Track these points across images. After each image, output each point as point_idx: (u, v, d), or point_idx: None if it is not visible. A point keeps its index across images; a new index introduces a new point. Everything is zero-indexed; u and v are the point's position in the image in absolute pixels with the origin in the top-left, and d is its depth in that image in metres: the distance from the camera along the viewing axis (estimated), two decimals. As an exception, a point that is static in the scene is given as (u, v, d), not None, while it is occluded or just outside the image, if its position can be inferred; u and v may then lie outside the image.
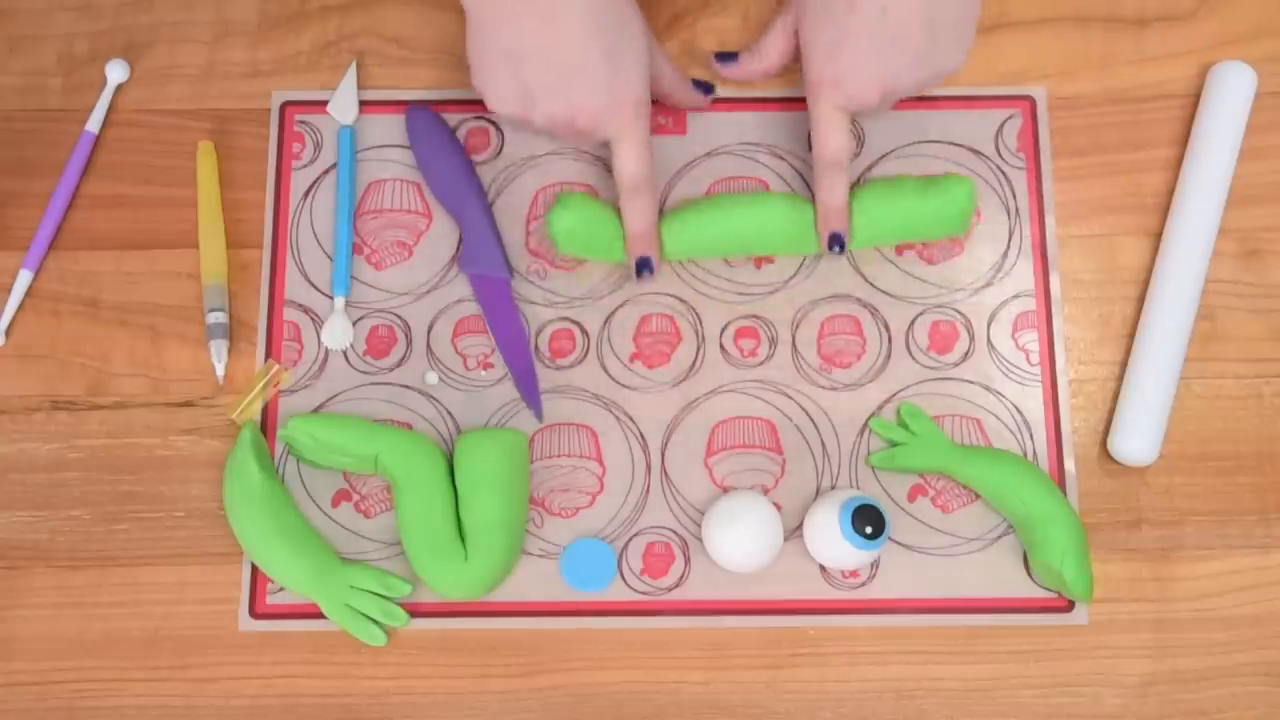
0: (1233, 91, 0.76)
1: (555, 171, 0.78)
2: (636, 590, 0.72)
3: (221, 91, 0.79)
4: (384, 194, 0.78)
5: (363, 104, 0.79)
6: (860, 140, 0.78)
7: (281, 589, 0.71)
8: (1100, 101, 0.79)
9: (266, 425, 0.74)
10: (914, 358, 0.75)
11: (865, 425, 0.74)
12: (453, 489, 0.71)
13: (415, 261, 0.76)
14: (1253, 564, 0.72)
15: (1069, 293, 0.76)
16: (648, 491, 0.73)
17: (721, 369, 0.75)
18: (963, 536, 0.72)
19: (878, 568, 0.72)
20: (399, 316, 0.76)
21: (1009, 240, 0.77)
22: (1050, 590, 0.71)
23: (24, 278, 0.76)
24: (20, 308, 0.76)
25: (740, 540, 0.69)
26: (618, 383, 0.75)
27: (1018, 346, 0.75)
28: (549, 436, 0.74)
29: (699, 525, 0.72)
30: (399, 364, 0.75)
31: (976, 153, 0.78)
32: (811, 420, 0.74)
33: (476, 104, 0.78)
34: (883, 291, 0.76)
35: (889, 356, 0.75)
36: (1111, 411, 0.74)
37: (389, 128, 0.78)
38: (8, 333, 0.76)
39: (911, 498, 0.73)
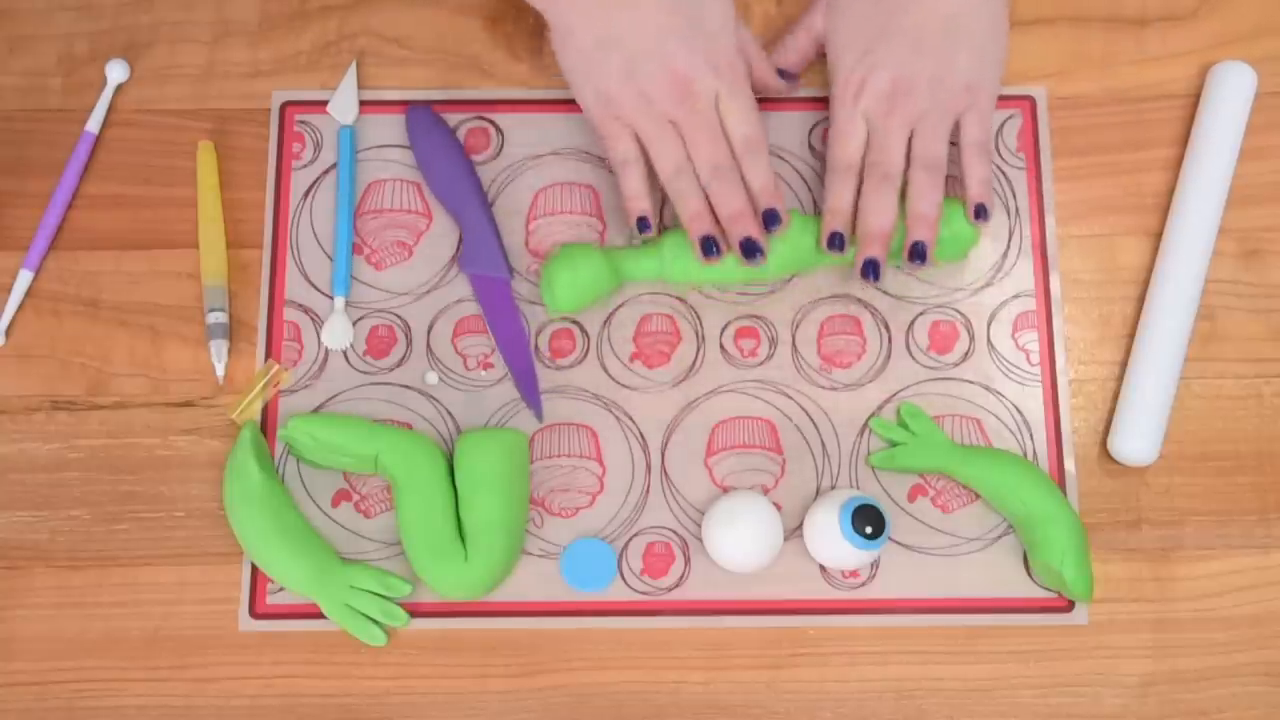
0: (1233, 91, 0.76)
1: (555, 172, 0.78)
2: (636, 590, 0.72)
3: (221, 91, 0.79)
4: (384, 194, 0.78)
5: (363, 104, 0.79)
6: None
7: (281, 589, 0.71)
8: (1100, 101, 0.79)
9: (266, 425, 0.74)
10: (914, 358, 0.75)
11: (865, 425, 0.74)
12: (453, 489, 0.71)
13: (415, 261, 0.76)
14: (1253, 564, 0.72)
15: (1069, 293, 0.76)
16: (648, 491, 0.73)
17: (721, 369, 0.75)
18: (963, 536, 0.72)
19: (878, 568, 0.72)
20: (399, 316, 0.76)
21: (1009, 240, 0.77)
22: (1050, 590, 0.71)
23: (24, 278, 0.76)
24: (20, 308, 0.76)
25: (740, 540, 0.69)
26: (618, 383, 0.75)
27: (1018, 346, 0.75)
28: (549, 436, 0.74)
29: (699, 525, 0.72)
30: (399, 364, 0.75)
31: (976, 153, 0.78)
32: (811, 420, 0.74)
33: (476, 104, 0.78)
34: (883, 291, 0.76)
35: (889, 356, 0.75)
36: (1111, 411, 0.74)
37: (389, 128, 0.78)
38: (8, 333, 0.76)
39: (911, 498, 0.73)
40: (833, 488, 0.73)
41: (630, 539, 0.72)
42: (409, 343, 0.75)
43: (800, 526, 0.72)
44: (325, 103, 0.78)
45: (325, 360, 0.75)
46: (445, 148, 0.76)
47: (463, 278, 0.76)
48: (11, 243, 0.77)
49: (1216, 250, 0.75)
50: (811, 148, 0.78)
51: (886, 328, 0.75)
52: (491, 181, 0.78)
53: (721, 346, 0.75)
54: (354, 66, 0.79)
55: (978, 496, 0.73)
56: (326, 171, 0.78)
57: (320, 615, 0.71)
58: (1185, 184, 0.76)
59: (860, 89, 0.72)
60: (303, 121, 0.79)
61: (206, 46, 0.80)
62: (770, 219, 0.70)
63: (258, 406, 0.74)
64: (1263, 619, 0.71)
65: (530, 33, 0.80)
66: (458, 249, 0.77)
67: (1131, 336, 0.75)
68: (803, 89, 0.79)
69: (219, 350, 0.74)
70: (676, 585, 0.72)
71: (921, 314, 0.75)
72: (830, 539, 0.68)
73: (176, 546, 0.72)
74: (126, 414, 0.74)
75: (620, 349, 0.75)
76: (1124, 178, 0.78)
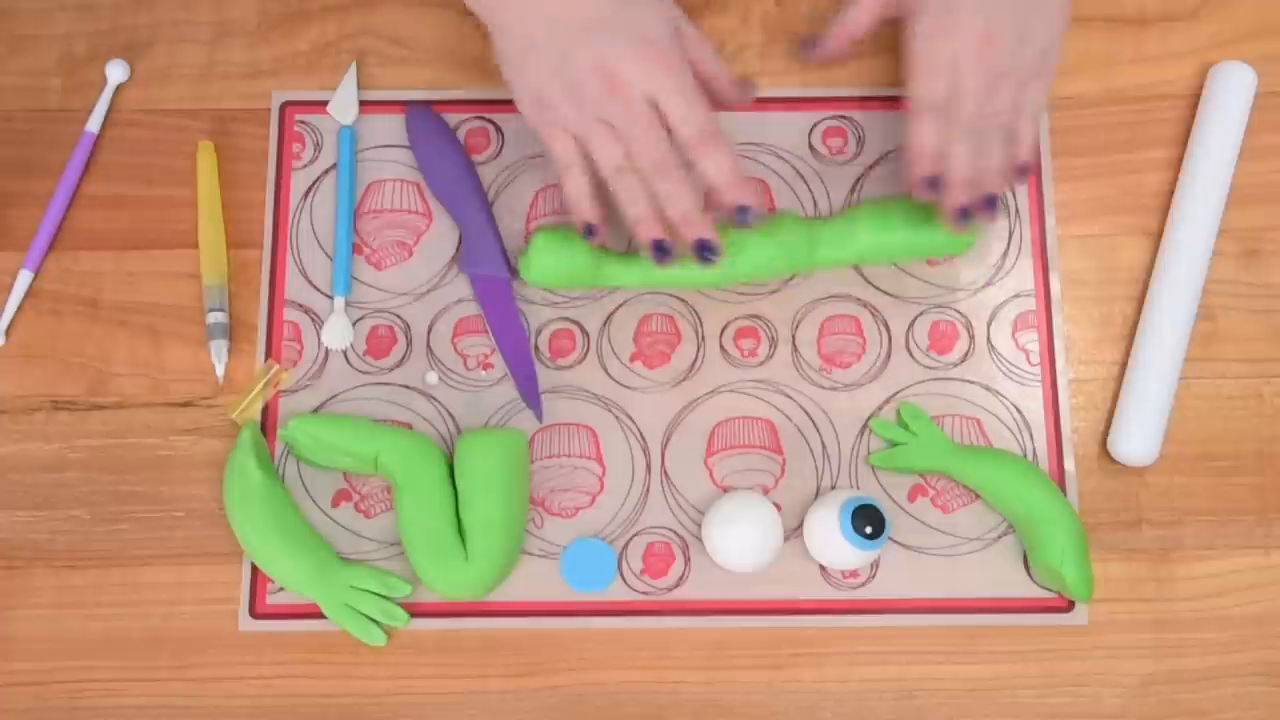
0: (1233, 91, 0.76)
1: (555, 172, 0.77)
2: (636, 590, 0.72)
3: (221, 91, 0.79)
4: (384, 194, 0.78)
5: (363, 104, 0.79)
6: (861, 140, 0.78)
7: (281, 589, 0.71)
8: (1100, 101, 0.79)
9: (266, 425, 0.74)
10: (914, 358, 0.75)
11: (865, 425, 0.74)
12: (453, 489, 0.71)
13: (415, 261, 0.76)
14: (1253, 564, 0.72)
15: (1069, 293, 0.76)
16: (648, 491, 0.73)
17: (721, 369, 0.75)
18: (963, 536, 0.72)
19: (878, 568, 0.72)
20: (399, 316, 0.76)
21: (1009, 240, 0.77)
22: (1050, 590, 0.71)
23: (24, 278, 0.76)
24: (20, 308, 0.76)
25: (740, 540, 0.69)
26: (618, 383, 0.75)
27: (1018, 346, 0.75)
28: (549, 436, 0.74)
29: (699, 525, 0.72)
30: (399, 364, 0.75)
31: (976, 153, 0.78)
32: (811, 420, 0.74)
33: (476, 104, 0.78)
34: (883, 291, 0.76)
35: (889, 356, 0.75)
36: (1111, 411, 0.74)
37: (389, 128, 0.78)
38: (8, 333, 0.76)
39: (911, 498, 0.73)
40: (833, 488, 0.73)
41: (630, 539, 0.72)
42: (409, 343, 0.75)
43: (800, 526, 0.72)
44: (325, 103, 0.78)
45: (325, 360, 0.75)
46: (445, 148, 0.76)
47: (463, 278, 0.76)
48: (11, 243, 0.77)
49: (1216, 250, 0.75)
50: (811, 148, 0.78)
51: (886, 328, 0.75)
52: (491, 181, 0.78)
53: (721, 346, 0.75)
54: (354, 67, 0.79)
55: (978, 496, 0.73)
56: (326, 171, 0.78)
57: (320, 615, 0.71)
58: (1185, 184, 0.76)
59: (952, 31, 0.69)
60: (303, 121, 0.79)
61: (206, 46, 0.80)
62: (741, 213, 0.67)
63: (258, 406, 0.74)
64: (1263, 619, 0.71)
65: (530, 33, 0.80)
66: (458, 249, 0.77)
67: (1131, 336, 0.75)
68: (802, 88, 0.79)
69: (219, 350, 0.74)
70: (676, 585, 0.72)
71: (921, 314, 0.75)
72: (830, 539, 0.68)
73: (176, 546, 0.72)
74: (126, 414, 0.74)
75: (620, 349, 0.75)
76: (1124, 178, 0.78)
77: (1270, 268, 0.76)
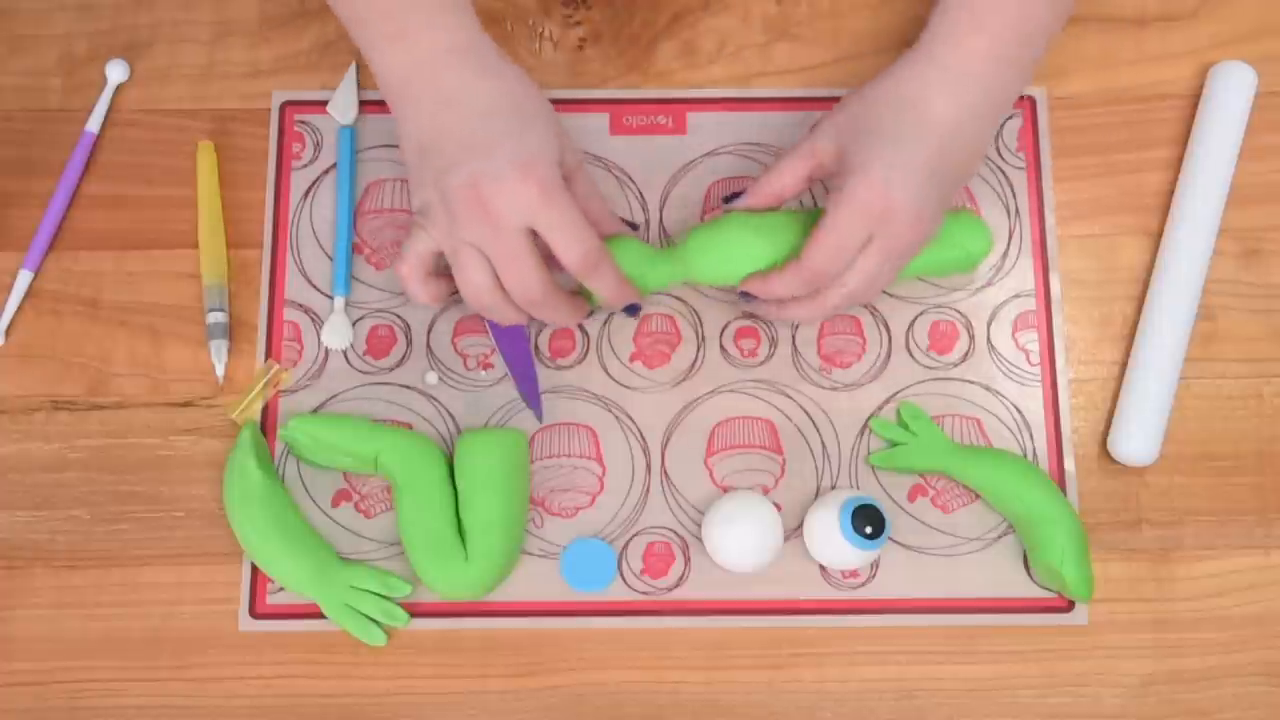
0: (1233, 91, 0.76)
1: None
2: (636, 590, 0.72)
3: (221, 91, 0.79)
4: (384, 194, 0.78)
5: (363, 104, 0.79)
6: None
7: (281, 589, 0.71)
8: (1100, 101, 0.79)
9: (266, 425, 0.74)
10: (914, 358, 0.75)
11: (865, 425, 0.74)
12: (453, 489, 0.71)
13: (415, 261, 0.76)
14: (1253, 564, 0.72)
15: (1069, 293, 0.76)
16: (648, 491, 0.73)
17: (721, 369, 0.75)
18: (963, 536, 0.72)
19: (878, 568, 0.72)
20: (399, 316, 0.76)
21: (1009, 240, 0.77)
22: (1050, 590, 0.71)
23: (24, 278, 0.76)
24: (20, 308, 0.76)
25: (740, 540, 0.69)
26: (618, 383, 0.75)
27: (1018, 346, 0.75)
28: (549, 436, 0.74)
29: (699, 525, 0.72)
30: (399, 364, 0.75)
31: (976, 153, 0.78)
32: (811, 420, 0.74)
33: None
34: (883, 291, 0.76)
35: (889, 356, 0.75)
36: (1111, 411, 0.74)
37: (389, 128, 0.78)
38: (8, 333, 0.76)
39: (911, 498, 0.73)
40: (833, 488, 0.73)
41: (630, 539, 0.72)
42: (409, 343, 0.75)
43: (800, 526, 0.72)
44: (325, 103, 0.78)
45: (325, 360, 0.75)
46: (445, 148, 0.76)
47: (463, 278, 0.76)
48: (11, 243, 0.77)
49: (1216, 250, 0.75)
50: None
51: (886, 328, 0.75)
52: (491, 181, 0.78)
53: (721, 346, 0.75)
54: (354, 67, 0.79)
55: (978, 496, 0.73)
56: (326, 171, 0.78)
57: (320, 615, 0.71)
58: (1185, 184, 0.76)
59: (860, 207, 0.65)
60: (303, 121, 0.79)
61: (206, 46, 0.80)
62: (631, 311, 0.72)
63: (258, 406, 0.74)
64: (1263, 619, 0.71)
65: (530, 34, 0.80)
66: (458, 249, 0.76)
67: (1131, 336, 0.75)
68: (802, 88, 0.79)
69: (219, 350, 0.74)
70: (676, 585, 0.72)
71: (921, 314, 0.75)
72: (830, 539, 0.68)
73: (176, 546, 0.72)
74: (126, 414, 0.74)
75: (620, 349, 0.75)
76: (1124, 178, 0.78)
77: (1270, 268, 0.76)
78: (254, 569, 0.72)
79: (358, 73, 0.79)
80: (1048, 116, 0.78)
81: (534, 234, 0.65)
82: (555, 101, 0.78)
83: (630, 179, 0.77)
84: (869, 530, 0.66)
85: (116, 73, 0.79)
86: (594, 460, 0.73)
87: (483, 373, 0.75)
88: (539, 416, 0.74)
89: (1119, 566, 0.72)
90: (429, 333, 0.75)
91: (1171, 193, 0.77)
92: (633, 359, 0.75)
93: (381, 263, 0.76)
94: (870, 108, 0.67)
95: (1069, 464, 0.73)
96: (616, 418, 0.74)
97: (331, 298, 0.76)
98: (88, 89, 0.79)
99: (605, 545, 0.72)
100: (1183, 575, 0.72)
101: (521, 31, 0.80)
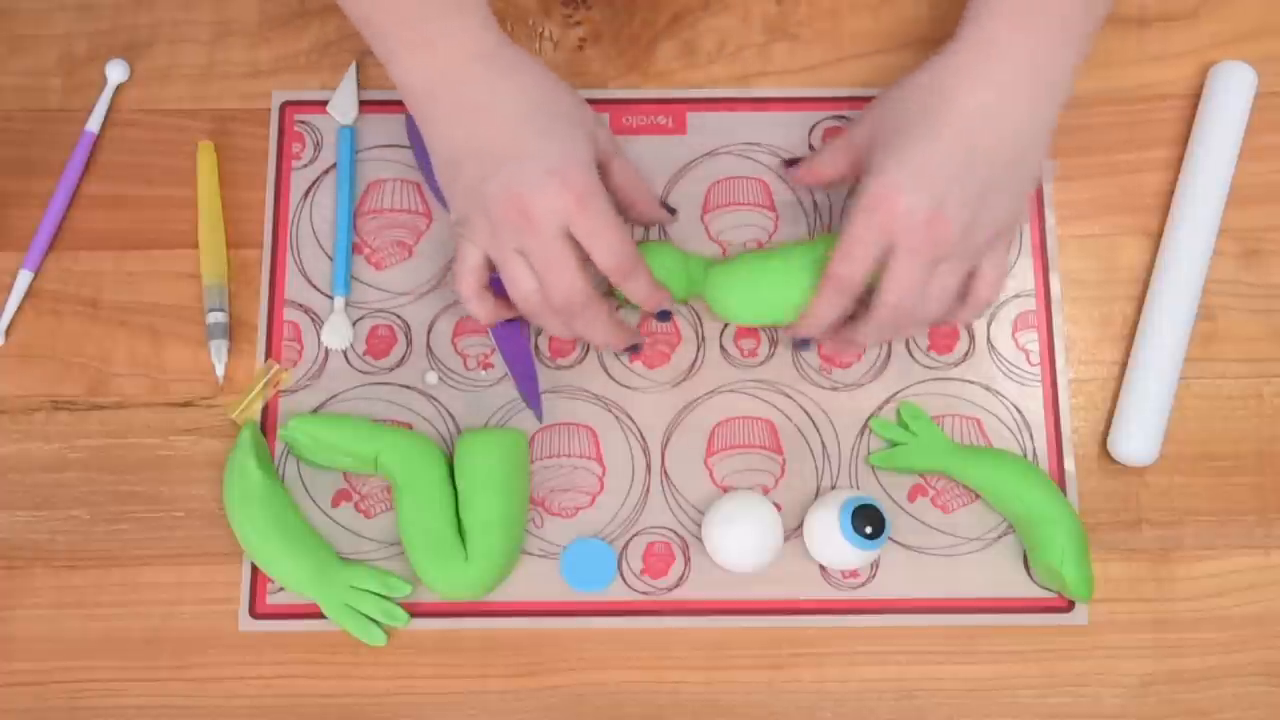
0: (1233, 91, 0.76)
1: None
2: (636, 590, 0.72)
3: (221, 91, 0.79)
4: (384, 194, 0.78)
5: (363, 104, 0.79)
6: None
7: (281, 589, 0.71)
8: (1100, 101, 0.79)
9: (266, 425, 0.74)
10: (914, 358, 0.75)
11: (865, 425, 0.74)
12: (453, 489, 0.71)
13: (415, 261, 0.76)
14: (1253, 564, 0.72)
15: (1069, 293, 0.76)
16: (648, 491, 0.73)
17: (721, 369, 0.75)
18: (963, 536, 0.72)
19: (878, 568, 0.72)
20: (399, 316, 0.76)
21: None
22: (1050, 590, 0.71)
23: (24, 278, 0.76)
24: (20, 308, 0.76)
25: (740, 540, 0.69)
26: (618, 383, 0.75)
27: (1018, 346, 0.75)
28: (549, 436, 0.74)
29: (699, 525, 0.72)
30: (399, 364, 0.75)
31: (976, 153, 0.78)
32: (811, 420, 0.74)
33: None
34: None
35: (889, 356, 0.75)
36: (1111, 411, 0.74)
37: (389, 128, 0.78)
38: (8, 333, 0.76)
39: (911, 498, 0.73)
40: (833, 488, 0.73)
41: (630, 539, 0.72)
42: (409, 343, 0.75)
43: (800, 526, 0.72)
44: (325, 103, 0.78)
45: (325, 360, 0.75)
46: (445, 148, 0.76)
47: (463, 278, 0.76)
48: (11, 243, 0.77)
49: (1216, 250, 0.75)
50: (811, 148, 0.78)
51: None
52: (491, 181, 0.78)
53: (721, 346, 0.75)
54: (354, 67, 0.79)
55: (978, 496, 0.73)
56: (326, 171, 0.78)
57: (320, 615, 0.71)
58: (1185, 184, 0.76)
59: (892, 211, 0.63)
60: (303, 121, 0.79)
61: (206, 46, 0.80)
62: (662, 317, 0.71)
63: (258, 406, 0.74)
64: (1263, 619, 0.71)
65: (530, 34, 0.80)
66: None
67: (1131, 336, 0.75)
68: (802, 88, 0.79)
69: (219, 350, 0.74)
70: (676, 585, 0.72)
71: (921, 314, 0.75)
72: (830, 539, 0.68)
73: (176, 546, 0.72)
74: (126, 414, 0.74)
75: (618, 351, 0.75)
76: (1124, 178, 0.78)
77: (1270, 268, 0.76)
78: (254, 569, 0.72)
79: (358, 73, 0.79)
80: (1048, 116, 0.78)
81: (573, 238, 0.65)
82: (555, 101, 0.78)
83: (630, 179, 0.77)
84: (869, 530, 0.66)
85: (116, 73, 0.79)
86: (594, 460, 0.73)
87: (483, 373, 0.75)
88: (539, 416, 0.74)
89: (1119, 566, 0.72)
90: (429, 333, 0.75)
91: (1171, 193, 0.77)
92: (633, 359, 0.75)
93: (381, 263, 0.76)
94: (898, 103, 0.67)
95: (1069, 464, 0.73)
96: (616, 418, 0.74)
97: (331, 298, 0.76)
98: (88, 89, 0.79)
99: (605, 545, 0.72)
100: (1183, 575, 0.72)
101: (521, 32, 0.80)
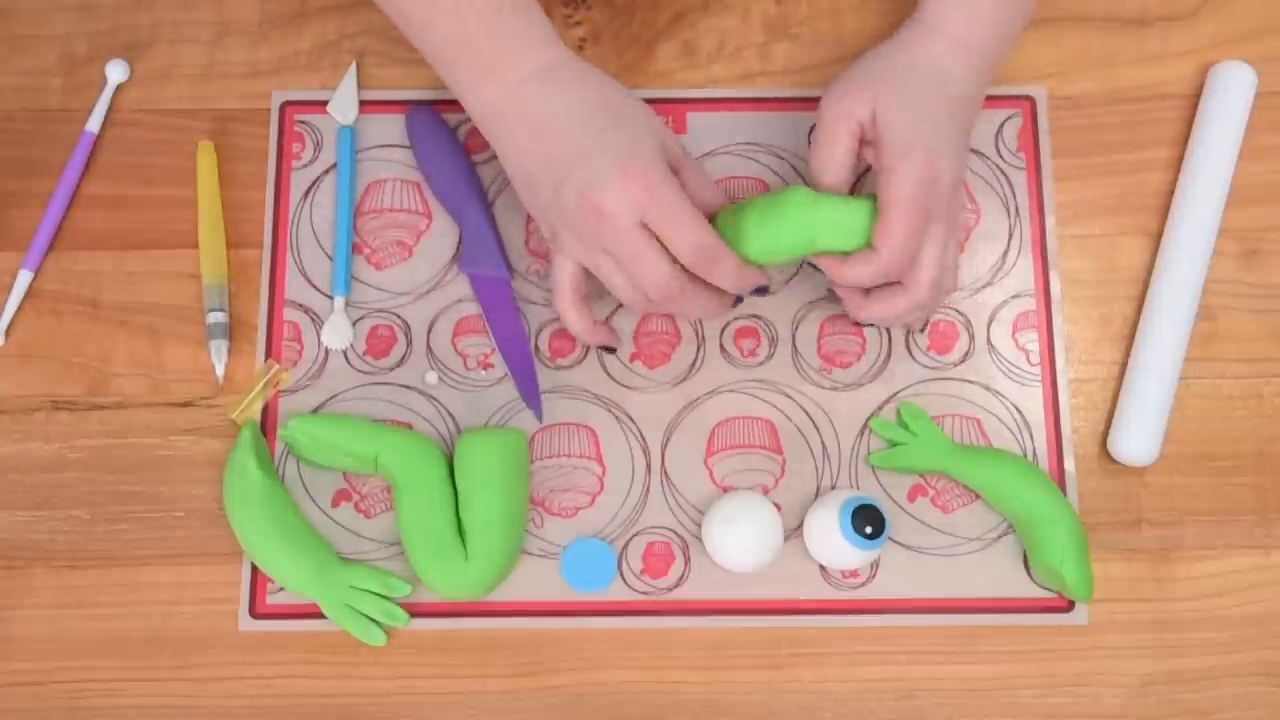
0: (1233, 91, 0.76)
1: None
2: (636, 590, 0.72)
3: (221, 91, 0.79)
4: (384, 194, 0.78)
5: (363, 104, 0.79)
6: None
7: (281, 589, 0.71)
8: (1100, 101, 0.79)
9: (266, 425, 0.74)
10: (914, 358, 0.75)
11: (865, 425, 0.74)
12: (453, 489, 0.71)
13: (415, 261, 0.76)
14: (1253, 564, 0.72)
15: (1069, 293, 0.76)
16: (648, 491, 0.73)
17: (721, 369, 0.75)
18: (963, 536, 0.72)
19: (878, 568, 0.72)
20: (399, 316, 0.76)
21: (1009, 240, 0.77)
22: (1050, 590, 0.71)
23: (24, 278, 0.76)
24: (20, 308, 0.76)
25: (740, 540, 0.68)
26: (618, 383, 0.75)
27: (1018, 346, 0.75)
28: (549, 436, 0.74)
29: (699, 525, 0.72)
30: (399, 364, 0.75)
31: (976, 153, 0.78)
32: (811, 420, 0.74)
33: (476, 104, 0.78)
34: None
35: (889, 356, 0.75)
36: (1111, 411, 0.74)
37: (389, 128, 0.78)
38: (8, 333, 0.76)
39: (911, 498, 0.73)
40: (833, 488, 0.73)
41: (630, 539, 0.72)
42: (409, 343, 0.75)
43: (800, 526, 0.72)
44: (325, 103, 0.78)
45: (325, 360, 0.75)
46: (445, 148, 0.76)
47: (463, 278, 0.76)
48: (11, 243, 0.77)
49: (1216, 250, 0.75)
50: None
51: (886, 328, 0.75)
52: (491, 181, 0.78)
53: (721, 346, 0.75)
54: (354, 66, 0.79)
55: (978, 496, 0.73)
56: (326, 171, 0.78)
57: (320, 615, 0.71)
58: (1185, 184, 0.76)
59: (915, 183, 0.64)
60: (303, 121, 0.79)
61: (206, 46, 0.80)
62: (759, 292, 0.69)
63: (258, 406, 0.74)
64: (1263, 619, 0.71)
65: (530, 33, 0.80)
66: (458, 249, 0.77)
67: (1131, 336, 0.75)
68: (802, 88, 0.79)
69: (219, 350, 0.74)
70: (676, 585, 0.72)
71: (921, 314, 0.75)
72: (830, 539, 0.68)
73: (176, 546, 0.72)
74: (126, 414, 0.74)
75: (620, 349, 0.75)
76: (1124, 178, 0.78)
77: (1270, 268, 0.76)
78: (254, 569, 0.72)
79: (358, 73, 0.79)
80: (1048, 116, 0.78)
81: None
82: (555, 101, 0.78)
83: (630, 179, 0.77)
84: (869, 530, 0.66)
85: (116, 73, 0.79)
86: (594, 460, 0.73)
87: (483, 373, 0.75)
88: (539, 416, 0.74)
89: (1119, 566, 0.72)
90: (429, 333, 0.75)
91: (1171, 193, 0.77)
92: (633, 358, 0.75)
93: (381, 263, 0.76)
94: (897, 78, 0.67)
95: (1069, 464, 0.73)
96: (616, 417, 0.74)
97: (331, 298, 0.76)
98: (88, 89, 0.79)
99: (605, 545, 0.72)
100: (1183, 575, 0.72)
101: (521, 31, 0.80)
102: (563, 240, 0.67)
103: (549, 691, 0.70)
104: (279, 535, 0.70)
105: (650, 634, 0.71)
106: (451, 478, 0.71)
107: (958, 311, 0.75)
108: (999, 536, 0.72)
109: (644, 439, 0.74)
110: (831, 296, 0.74)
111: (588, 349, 0.75)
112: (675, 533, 0.72)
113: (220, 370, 0.74)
